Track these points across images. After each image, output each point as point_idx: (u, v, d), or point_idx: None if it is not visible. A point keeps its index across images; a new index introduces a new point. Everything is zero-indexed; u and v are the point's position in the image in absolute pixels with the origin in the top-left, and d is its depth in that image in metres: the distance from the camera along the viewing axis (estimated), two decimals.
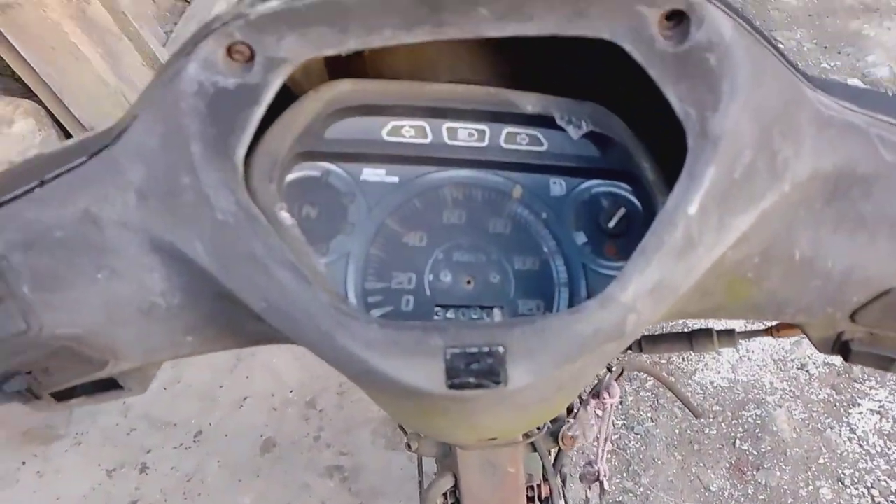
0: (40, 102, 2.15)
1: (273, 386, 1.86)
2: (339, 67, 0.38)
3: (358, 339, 0.29)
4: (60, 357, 0.34)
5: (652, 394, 1.74)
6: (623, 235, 0.38)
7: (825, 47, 2.65)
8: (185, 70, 0.30)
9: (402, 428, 0.74)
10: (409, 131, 0.39)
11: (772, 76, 0.31)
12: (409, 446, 0.68)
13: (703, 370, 1.77)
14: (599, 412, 0.65)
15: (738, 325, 0.60)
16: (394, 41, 0.30)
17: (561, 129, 0.39)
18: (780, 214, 0.32)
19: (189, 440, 1.76)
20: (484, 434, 0.45)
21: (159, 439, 1.77)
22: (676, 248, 0.29)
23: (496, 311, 0.37)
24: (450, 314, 0.37)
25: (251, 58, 0.30)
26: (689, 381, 1.75)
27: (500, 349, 0.29)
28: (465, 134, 0.39)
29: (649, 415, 1.71)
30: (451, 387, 0.29)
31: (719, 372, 1.77)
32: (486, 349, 0.29)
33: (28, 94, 2.19)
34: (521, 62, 0.40)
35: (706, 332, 0.60)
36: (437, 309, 0.37)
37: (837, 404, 1.68)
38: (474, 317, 0.37)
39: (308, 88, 0.37)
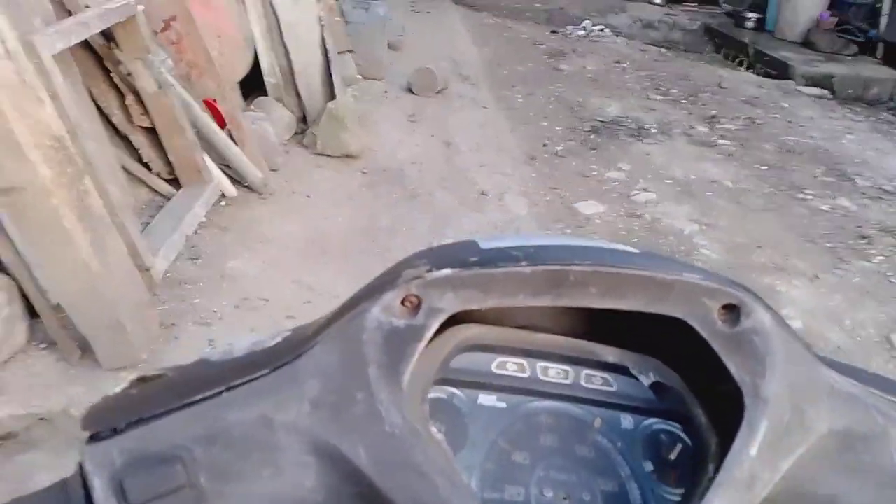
0: (12, 278, 2.17)
1: None
2: None
3: None
4: None
5: None
6: (681, 466, 0.46)
7: None
8: (369, 312, 0.38)
9: None
10: (512, 366, 0.48)
11: (798, 356, 0.42)
12: None
13: None
14: None
15: None
16: (521, 304, 0.39)
17: (626, 375, 0.49)
18: (809, 459, 0.41)
19: None
20: None
21: None
22: (743, 481, 0.37)
23: None
24: None
25: (419, 306, 0.38)
26: None
27: None
28: (554, 373, 0.49)
29: None
30: None
31: None
32: None
33: None
34: (598, 320, 0.49)
35: None
36: None
37: None
38: None
39: None
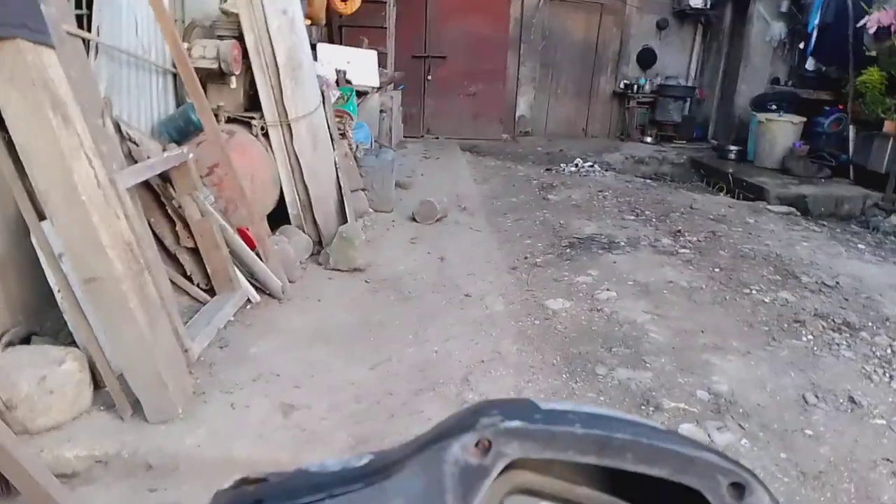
0: (85, 352, 2.86)
1: None
2: None
3: None
4: None
5: None
6: None
7: (682, 369, 3.50)
8: (450, 447, 0.44)
9: None
10: None
11: None
12: None
13: None
14: None
15: None
16: (570, 459, 0.45)
17: None
18: None
19: None
20: None
21: None
22: None
23: None
24: None
25: (489, 449, 0.44)
26: None
27: None
28: None
29: None
30: None
31: None
32: None
33: (73, 343, 2.91)
34: (630, 483, 0.50)
35: None
36: None
37: None
38: None
39: None
